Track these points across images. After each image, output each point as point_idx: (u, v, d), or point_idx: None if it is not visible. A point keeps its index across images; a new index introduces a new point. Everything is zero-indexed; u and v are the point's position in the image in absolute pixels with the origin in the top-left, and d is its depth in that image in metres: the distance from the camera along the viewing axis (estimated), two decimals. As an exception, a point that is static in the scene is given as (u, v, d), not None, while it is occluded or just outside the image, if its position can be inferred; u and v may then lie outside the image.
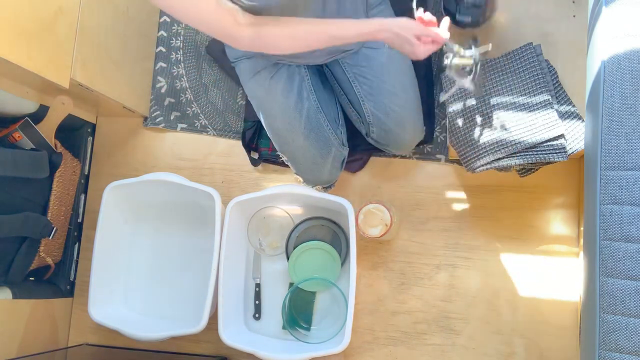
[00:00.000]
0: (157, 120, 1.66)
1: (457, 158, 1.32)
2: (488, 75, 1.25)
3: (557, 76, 1.23)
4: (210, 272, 1.36)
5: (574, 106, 1.21)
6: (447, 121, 1.28)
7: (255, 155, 1.55)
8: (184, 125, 1.65)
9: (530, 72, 1.21)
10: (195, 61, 1.67)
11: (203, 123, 1.64)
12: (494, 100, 1.23)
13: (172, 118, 1.66)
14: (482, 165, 1.22)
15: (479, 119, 1.22)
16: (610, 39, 0.94)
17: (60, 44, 1.26)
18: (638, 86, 0.90)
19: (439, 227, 1.46)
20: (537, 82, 1.20)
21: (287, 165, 1.43)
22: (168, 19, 1.71)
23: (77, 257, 1.63)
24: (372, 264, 1.48)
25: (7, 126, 1.40)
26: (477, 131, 1.22)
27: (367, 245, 1.48)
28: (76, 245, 1.62)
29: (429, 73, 1.50)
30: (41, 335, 1.48)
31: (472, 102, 1.25)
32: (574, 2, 1.26)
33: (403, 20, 1.04)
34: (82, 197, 1.64)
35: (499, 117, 1.21)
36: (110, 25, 1.45)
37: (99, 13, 1.39)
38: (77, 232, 1.63)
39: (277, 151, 1.41)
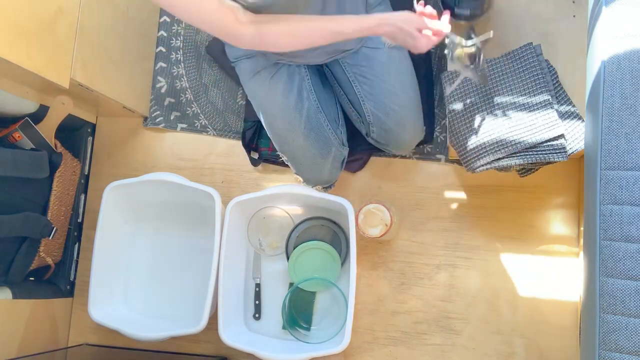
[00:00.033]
0: (157, 120, 1.66)
1: (457, 158, 1.32)
2: (488, 75, 1.25)
3: (557, 76, 1.23)
4: (210, 272, 1.36)
5: (574, 106, 1.21)
6: (447, 121, 1.28)
7: (255, 155, 1.55)
8: (184, 125, 1.65)
9: (530, 72, 1.21)
10: (195, 61, 1.67)
11: (203, 123, 1.64)
12: (494, 100, 1.23)
13: (172, 118, 1.66)
14: (482, 165, 1.22)
15: (479, 119, 1.22)
16: (610, 39, 0.94)
17: (60, 44, 1.26)
18: (638, 86, 0.90)
19: (439, 227, 1.46)
20: (537, 82, 1.20)
21: (287, 165, 1.43)
22: (168, 19, 1.71)
23: (77, 257, 1.63)
24: (372, 264, 1.48)
25: (7, 126, 1.40)
26: (477, 131, 1.22)
27: (367, 245, 1.48)
28: (76, 245, 1.62)
29: (429, 73, 1.50)
30: (41, 335, 1.48)
31: (472, 102, 1.25)
32: (574, 2, 1.26)
33: (405, 14, 1.03)
34: (82, 197, 1.64)
35: (499, 117, 1.21)
36: (110, 25, 1.45)
37: (99, 13, 1.39)
38: (77, 232, 1.63)
39: (277, 151, 1.41)
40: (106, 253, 1.48)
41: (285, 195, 1.42)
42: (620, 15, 0.95)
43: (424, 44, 1.03)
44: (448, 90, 1.22)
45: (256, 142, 1.56)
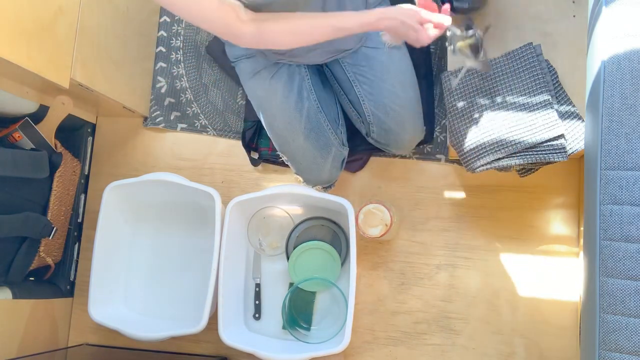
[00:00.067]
0: (157, 120, 1.66)
1: (457, 158, 1.32)
2: (488, 75, 1.25)
3: (557, 76, 1.23)
4: (210, 272, 1.36)
5: (574, 106, 1.21)
6: (447, 121, 1.28)
7: (255, 155, 1.55)
8: (184, 125, 1.65)
9: (530, 72, 1.21)
10: (195, 61, 1.67)
11: (203, 123, 1.64)
12: (494, 100, 1.23)
13: (172, 118, 1.66)
14: (482, 165, 1.22)
15: (478, 119, 1.22)
16: (610, 39, 0.94)
17: (60, 44, 1.26)
18: (638, 86, 0.90)
19: (439, 227, 1.46)
20: (537, 82, 1.20)
21: (287, 165, 1.43)
22: (168, 19, 1.71)
23: (77, 257, 1.63)
24: (372, 264, 1.48)
25: (7, 126, 1.40)
26: (477, 131, 1.22)
27: (367, 245, 1.48)
28: (76, 245, 1.62)
29: (429, 73, 1.50)
30: (41, 335, 1.48)
31: (472, 101, 1.25)
32: (574, 2, 1.26)
33: (405, 7, 1.03)
34: (82, 197, 1.64)
35: (499, 117, 1.21)
36: (110, 25, 1.45)
37: (99, 13, 1.39)
38: (77, 232, 1.63)
39: (277, 151, 1.41)
40: (106, 253, 1.48)
41: (285, 195, 1.42)
42: (620, 15, 0.95)
43: (426, 37, 1.03)
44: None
45: (256, 142, 1.56)
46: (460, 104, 1.25)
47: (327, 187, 1.47)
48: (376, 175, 1.52)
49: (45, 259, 1.47)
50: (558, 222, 1.41)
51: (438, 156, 1.49)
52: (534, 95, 1.20)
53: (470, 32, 1.08)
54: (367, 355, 1.45)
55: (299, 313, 1.44)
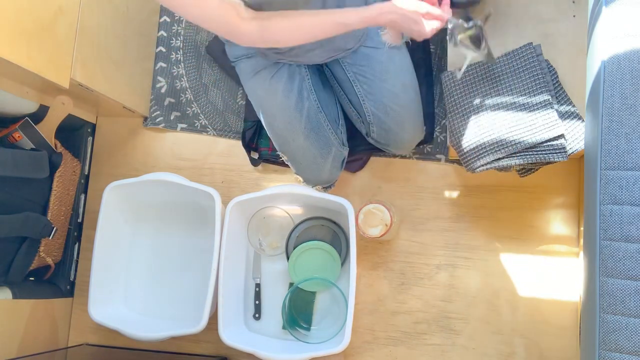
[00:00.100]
0: (157, 120, 1.66)
1: (457, 158, 1.32)
2: (488, 75, 1.25)
3: (557, 76, 1.23)
4: (210, 272, 1.36)
5: (574, 106, 1.21)
6: (447, 121, 1.28)
7: (255, 155, 1.55)
8: (184, 125, 1.65)
9: (530, 72, 1.21)
10: (195, 61, 1.67)
11: (203, 123, 1.64)
12: (493, 100, 1.23)
13: (172, 118, 1.66)
14: (482, 165, 1.22)
15: (478, 119, 1.22)
16: (610, 39, 0.94)
17: (60, 44, 1.26)
18: (638, 86, 0.90)
19: (439, 227, 1.46)
20: (537, 82, 1.20)
21: (287, 165, 1.43)
22: (168, 19, 1.71)
23: (77, 257, 1.63)
24: (372, 264, 1.48)
25: (7, 126, 1.40)
26: (477, 131, 1.22)
27: (367, 245, 1.48)
28: (76, 245, 1.62)
29: (429, 73, 1.50)
30: (41, 335, 1.48)
31: (472, 101, 1.25)
32: (574, 2, 1.26)
33: (406, 1, 1.03)
34: (82, 197, 1.64)
35: (499, 117, 1.21)
36: (110, 25, 1.45)
37: (99, 13, 1.39)
38: (77, 232, 1.63)
39: (277, 151, 1.41)
40: (106, 253, 1.48)
41: (285, 195, 1.42)
42: (620, 15, 0.95)
43: (427, 30, 1.03)
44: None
45: (256, 142, 1.56)
46: (460, 104, 1.25)
47: (327, 187, 1.47)
48: (376, 175, 1.52)
49: (45, 259, 1.47)
50: (558, 222, 1.41)
51: (438, 156, 1.49)
52: (534, 95, 1.20)
53: (471, 23, 1.08)
54: (367, 355, 1.45)
55: (299, 313, 1.44)
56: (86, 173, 1.66)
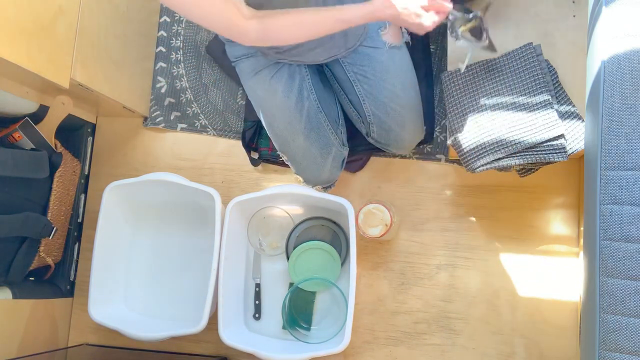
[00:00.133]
0: (157, 120, 1.66)
1: (457, 158, 1.32)
2: (488, 75, 1.25)
3: (557, 76, 1.23)
4: (210, 272, 1.36)
5: (574, 106, 1.21)
6: (447, 121, 1.28)
7: (255, 155, 1.55)
8: (184, 125, 1.65)
9: (530, 72, 1.21)
10: (195, 61, 1.67)
11: (203, 123, 1.64)
12: (493, 100, 1.23)
13: (172, 118, 1.66)
14: (482, 165, 1.22)
15: (479, 119, 1.22)
16: (610, 39, 0.94)
17: (60, 44, 1.26)
18: (638, 86, 0.90)
19: (439, 227, 1.46)
20: (537, 82, 1.20)
21: (287, 165, 1.43)
22: (168, 19, 1.71)
23: (77, 257, 1.63)
24: (372, 264, 1.48)
25: (7, 126, 1.40)
26: (477, 131, 1.22)
27: (367, 245, 1.48)
28: (76, 245, 1.62)
29: (429, 73, 1.50)
30: (41, 335, 1.48)
31: (472, 101, 1.24)
32: (574, 2, 1.26)
33: None
34: (82, 197, 1.64)
35: (499, 117, 1.21)
36: (110, 26, 1.45)
37: (99, 13, 1.39)
38: (77, 232, 1.63)
39: (277, 151, 1.41)
40: (106, 253, 1.48)
41: (285, 195, 1.42)
42: (620, 15, 0.95)
43: (429, 22, 1.03)
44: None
45: (256, 142, 1.56)
46: (460, 104, 1.25)
47: (327, 187, 1.47)
48: (376, 175, 1.52)
49: (45, 259, 1.47)
50: (558, 222, 1.41)
51: (438, 156, 1.49)
52: (534, 95, 1.20)
53: (471, 14, 1.08)
54: (367, 355, 1.45)
55: (299, 313, 1.44)
56: (86, 173, 1.66)
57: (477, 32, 1.10)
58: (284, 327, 1.44)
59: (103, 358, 1.52)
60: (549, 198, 1.42)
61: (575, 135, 1.18)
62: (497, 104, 1.22)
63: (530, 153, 1.18)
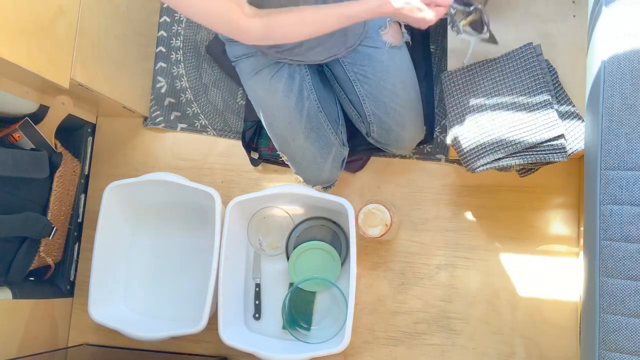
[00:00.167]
0: (157, 120, 1.66)
1: (457, 158, 1.32)
2: (488, 75, 1.25)
3: (557, 76, 1.23)
4: (210, 272, 1.36)
5: (574, 106, 1.21)
6: (447, 121, 1.28)
7: (255, 155, 1.55)
8: (184, 125, 1.65)
9: (530, 72, 1.21)
10: (195, 61, 1.67)
11: (203, 123, 1.64)
12: (493, 100, 1.23)
13: (172, 118, 1.66)
14: (482, 165, 1.22)
15: (479, 119, 1.22)
16: (610, 39, 0.94)
17: (60, 44, 1.26)
18: (638, 86, 0.90)
19: (439, 227, 1.46)
20: (537, 82, 1.20)
21: (287, 165, 1.43)
22: (168, 19, 1.71)
23: (77, 257, 1.63)
24: (372, 264, 1.48)
25: (7, 126, 1.40)
26: (477, 131, 1.22)
27: (367, 245, 1.48)
28: (76, 245, 1.62)
29: (429, 73, 1.50)
30: (41, 335, 1.48)
31: (472, 101, 1.24)
32: (574, 2, 1.26)
33: None
34: (82, 197, 1.64)
35: (499, 117, 1.21)
36: (110, 25, 1.45)
37: (99, 13, 1.39)
38: (77, 232, 1.63)
39: (277, 151, 1.41)
40: (106, 253, 1.48)
41: (285, 195, 1.42)
42: (620, 15, 0.95)
43: (431, 16, 1.03)
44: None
45: (256, 142, 1.56)
46: (460, 104, 1.25)
47: (327, 187, 1.47)
48: (376, 175, 1.52)
49: (45, 259, 1.47)
50: (558, 222, 1.41)
51: (438, 156, 1.49)
52: (534, 95, 1.20)
53: (472, 7, 1.08)
54: (367, 355, 1.45)
55: (299, 313, 1.44)
56: (86, 173, 1.66)
57: (478, 25, 1.10)
58: (284, 327, 1.44)
59: (103, 358, 1.51)
60: (549, 198, 1.42)
61: (575, 135, 1.18)
62: (497, 104, 1.22)
63: (530, 153, 1.18)
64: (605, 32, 0.95)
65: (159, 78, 1.68)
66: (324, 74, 1.40)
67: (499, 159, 1.20)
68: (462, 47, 1.26)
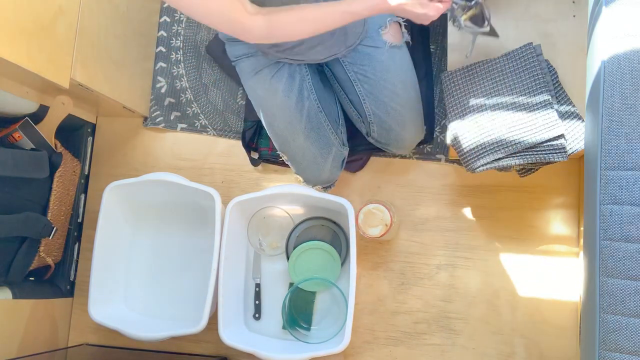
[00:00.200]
0: (157, 120, 1.66)
1: (457, 158, 1.32)
2: (488, 75, 1.25)
3: (557, 76, 1.23)
4: (210, 272, 1.36)
5: (574, 106, 1.21)
6: (447, 121, 1.28)
7: (255, 155, 1.55)
8: (184, 125, 1.65)
9: (530, 72, 1.21)
10: (195, 61, 1.67)
11: (203, 123, 1.64)
12: (493, 100, 1.23)
13: (172, 118, 1.66)
14: (482, 165, 1.22)
15: (479, 119, 1.22)
16: (610, 39, 0.94)
17: (60, 44, 1.26)
18: (638, 86, 0.90)
19: (439, 227, 1.46)
20: (537, 82, 1.20)
21: (287, 165, 1.43)
22: (168, 19, 1.71)
23: (77, 257, 1.63)
24: (372, 264, 1.48)
25: (7, 126, 1.40)
26: (477, 131, 1.22)
27: (367, 245, 1.48)
28: (76, 245, 1.62)
29: (429, 73, 1.50)
30: (41, 335, 1.48)
31: (471, 101, 1.24)
32: (574, 2, 1.26)
33: None
34: (82, 197, 1.64)
35: (499, 117, 1.21)
36: (110, 25, 1.45)
37: (99, 13, 1.39)
38: (77, 232, 1.63)
39: (277, 151, 1.41)
40: (106, 253, 1.48)
41: (285, 195, 1.42)
42: (620, 15, 0.95)
43: (434, 11, 1.03)
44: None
45: (256, 142, 1.56)
46: (460, 104, 1.25)
47: (327, 187, 1.47)
48: (376, 175, 1.52)
49: (45, 259, 1.47)
50: (558, 222, 1.41)
51: (438, 156, 1.49)
52: (534, 95, 1.20)
53: (472, 2, 1.08)
54: (367, 355, 1.45)
55: (299, 313, 1.44)
56: (86, 173, 1.66)
57: (479, 19, 1.11)
58: (284, 327, 1.44)
59: (103, 358, 1.51)
60: (549, 198, 1.42)
61: (575, 135, 1.18)
62: (497, 104, 1.22)
63: (530, 153, 1.18)
64: (605, 32, 0.95)
65: (159, 78, 1.68)
66: (324, 74, 1.40)
67: (499, 159, 1.20)
68: (462, 42, 1.26)
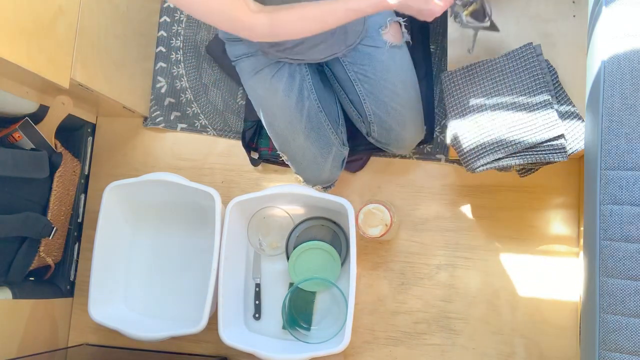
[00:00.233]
0: (157, 120, 1.66)
1: (457, 158, 1.32)
2: (488, 75, 1.25)
3: (557, 76, 1.23)
4: (210, 272, 1.36)
5: (574, 106, 1.21)
6: (447, 121, 1.28)
7: (255, 155, 1.55)
8: (184, 125, 1.65)
9: (530, 72, 1.21)
10: (195, 61, 1.67)
11: (203, 123, 1.64)
12: (493, 100, 1.23)
13: (172, 118, 1.66)
14: (482, 165, 1.22)
15: (479, 119, 1.22)
16: (610, 39, 0.94)
17: (60, 44, 1.26)
18: (638, 86, 0.90)
19: (439, 227, 1.46)
20: (537, 82, 1.20)
21: (287, 165, 1.43)
22: (168, 19, 1.71)
23: (77, 257, 1.63)
24: (372, 264, 1.48)
25: (7, 126, 1.40)
26: (477, 131, 1.22)
27: (367, 245, 1.48)
28: (76, 245, 1.62)
29: (429, 73, 1.50)
30: (41, 335, 1.48)
31: (472, 101, 1.24)
32: (574, 2, 1.26)
33: None
34: (82, 197, 1.64)
35: (499, 117, 1.21)
36: (110, 25, 1.45)
37: (99, 13, 1.39)
38: (77, 232, 1.63)
39: (277, 151, 1.41)
40: (106, 253, 1.48)
41: (285, 195, 1.42)
42: (620, 15, 0.95)
43: (437, 8, 1.03)
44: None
45: (256, 142, 1.56)
46: (460, 104, 1.25)
47: (327, 187, 1.47)
48: (376, 175, 1.52)
49: (45, 259, 1.47)
50: (558, 222, 1.41)
51: (438, 156, 1.49)
52: (534, 95, 1.20)
53: None
54: (367, 355, 1.45)
55: (299, 313, 1.44)
56: (86, 173, 1.66)
57: (480, 15, 1.11)
58: (284, 327, 1.44)
59: (103, 358, 1.52)
60: (549, 198, 1.42)
61: (575, 135, 1.18)
62: (497, 104, 1.22)
63: (530, 153, 1.18)
64: (605, 32, 0.95)
65: (159, 78, 1.68)
66: (324, 74, 1.40)
67: (499, 159, 1.20)
68: (462, 38, 1.26)
